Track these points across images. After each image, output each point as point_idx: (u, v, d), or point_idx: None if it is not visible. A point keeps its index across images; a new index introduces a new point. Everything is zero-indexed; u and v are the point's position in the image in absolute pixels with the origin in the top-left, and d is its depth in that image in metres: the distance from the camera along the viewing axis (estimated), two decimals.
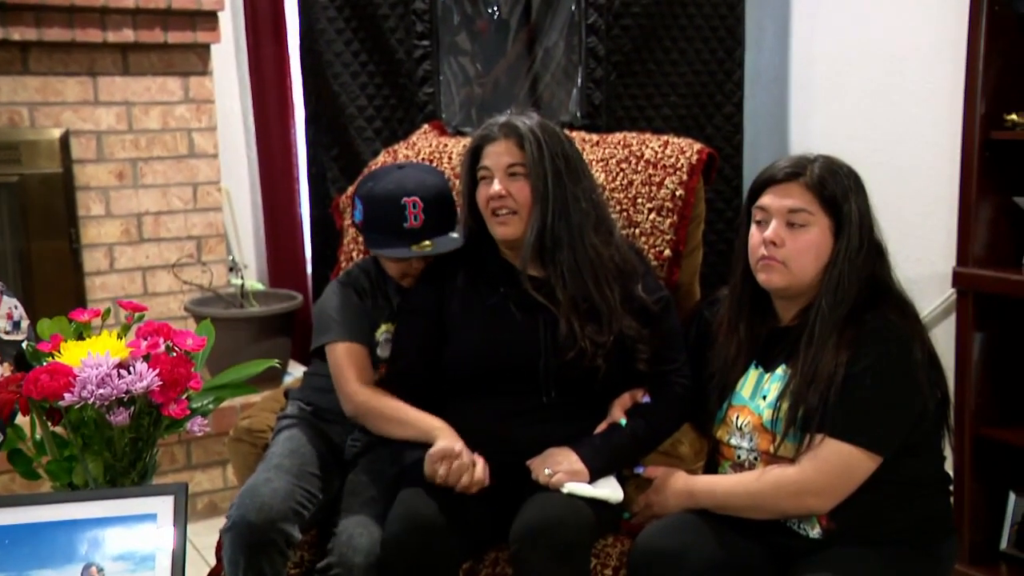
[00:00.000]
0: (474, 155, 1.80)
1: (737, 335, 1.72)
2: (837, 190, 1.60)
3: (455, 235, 1.86)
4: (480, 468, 1.62)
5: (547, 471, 1.67)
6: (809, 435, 1.55)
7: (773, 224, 1.62)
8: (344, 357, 1.82)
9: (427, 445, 1.67)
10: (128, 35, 2.82)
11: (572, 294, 1.73)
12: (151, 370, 1.35)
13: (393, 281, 1.92)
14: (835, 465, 1.53)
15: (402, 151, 2.33)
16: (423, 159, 2.26)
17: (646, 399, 1.79)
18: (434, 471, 1.62)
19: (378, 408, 1.77)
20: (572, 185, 1.76)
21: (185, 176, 3.03)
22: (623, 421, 1.75)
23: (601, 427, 1.77)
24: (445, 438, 1.66)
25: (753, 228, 1.67)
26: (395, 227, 1.82)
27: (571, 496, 1.64)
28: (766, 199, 1.64)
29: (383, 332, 1.90)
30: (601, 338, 1.72)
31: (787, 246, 1.61)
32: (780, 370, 1.66)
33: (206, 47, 2.97)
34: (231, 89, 3.24)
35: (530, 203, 1.74)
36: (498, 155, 1.76)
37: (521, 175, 1.75)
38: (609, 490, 1.70)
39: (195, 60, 2.97)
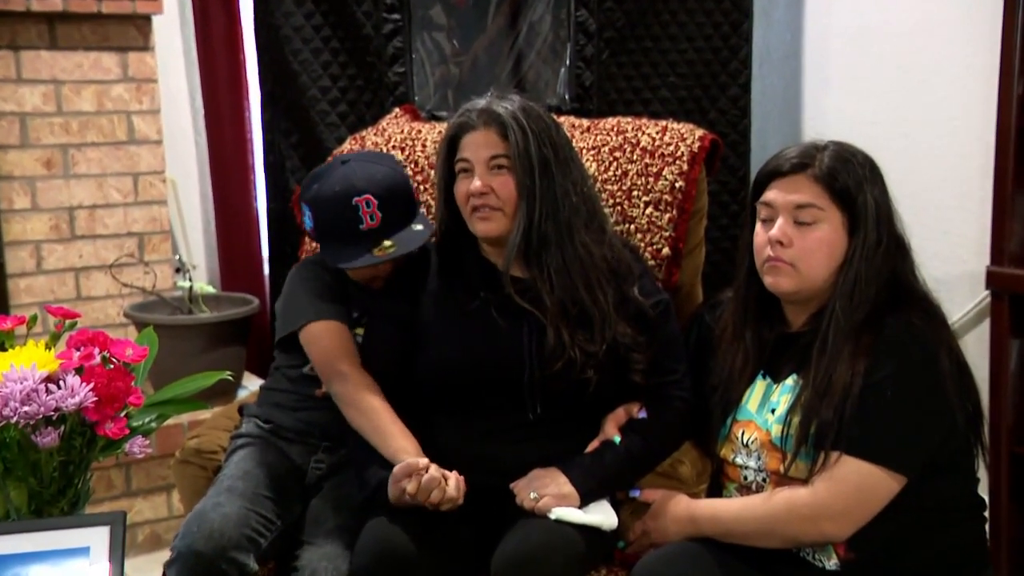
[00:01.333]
0: (451, 145, 1.80)
1: (742, 342, 1.72)
2: (850, 181, 1.60)
3: (419, 227, 1.86)
4: (452, 484, 1.62)
5: (532, 495, 1.67)
6: (823, 453, 1.56)
7: (779, 222, 1.63)
8: (327, 336, 1.82)
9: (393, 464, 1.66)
10: (56, 3, 2.80)
11: (560, 298, 1.74)
12: (84, 384, 1.34)
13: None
14: (853, 486, 1.54)
15: (370, 138, 2.33)
16: (393, 147, 2.27)
17: (642, 414, 1.80)
18: (399, 491, 1.62)
19: (362, 403, 1.76)
20: (561, 177, 1.76)
21: (124, 165, 3.01)
22: (617, 439, 1.76)
23: (593, 445, 1.77)
24: (411, 457, 1.66)
25: (758, 226, 1.67)
26: (351, 231, 1.82)
27: (559, 523, 1.64)
28: (771, 194, 1.65)
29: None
30: (592, 347, 1.73)
31: (795, 246, 1.62)
32: (790, 380, 1.66)
33: (147, 18, 2.96)
34: (176, 66, 3.22)
35: (515, 199, 1.75)
36: (478, 146, 1.76)
37: (505, 168, 1.75)
38: (602, 516, 1.70)
39: (134, 33, 2.96)
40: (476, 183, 1.74)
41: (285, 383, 1.95)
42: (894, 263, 1.62)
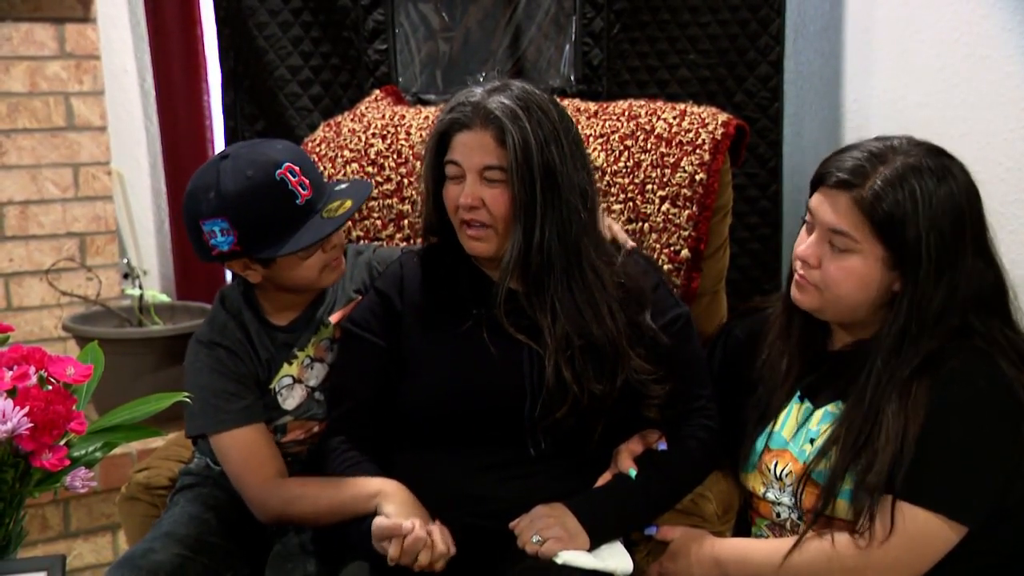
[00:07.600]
0: (441, 141, 1.77)
1: (788, 343, 1.72)
2: (897, 211, 1.54)
3: (342, 185, 1.84)
4: (439, 539, 1.62)
5: (535, 538, 1.67)
6: (871, 496, 1.55)
7: (812, 238, 1.63)
8: (237, 451, 1.80)
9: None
10: None
11: (564, 332, 1.72)
12: (18, 409, 1.34)
13: (276, 306, 1.88)
14: (905, 536, 1.54)
15: (346, 124, 2.34)
16: (373, 134, 2.27)
17: (662, 445, 1.80)
18: (383, 551, 1.62)
19: (297, 495, 1.76)
20: (569, 188, 1.72)
21: (62, 155, 3.01)
22: (632, 472, 1.75)
23: (604, 478, 1.77)
24: (389, 505, 1.66)
25: (802, 229, 1.67)
26: (288, 211, 1.73)
27: (566, 568, 1.64)
28: (815, 200, 1.64)
29: (282, 377, 1.88)
30: (600, 387, 1.72)
31: (823, 268, 1.62)
32: (832, 407, 1.67)
33: None
34: (122, 41, 3.22)
35: (509, 216, 1.72)
36: (470, 151, 1.73)
37: (499, 182, 1.72)
38: (614, 560, 1.70)
39: (72, 2, 2.95)
40: (465, 195, 1.73)
41: None
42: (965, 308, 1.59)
